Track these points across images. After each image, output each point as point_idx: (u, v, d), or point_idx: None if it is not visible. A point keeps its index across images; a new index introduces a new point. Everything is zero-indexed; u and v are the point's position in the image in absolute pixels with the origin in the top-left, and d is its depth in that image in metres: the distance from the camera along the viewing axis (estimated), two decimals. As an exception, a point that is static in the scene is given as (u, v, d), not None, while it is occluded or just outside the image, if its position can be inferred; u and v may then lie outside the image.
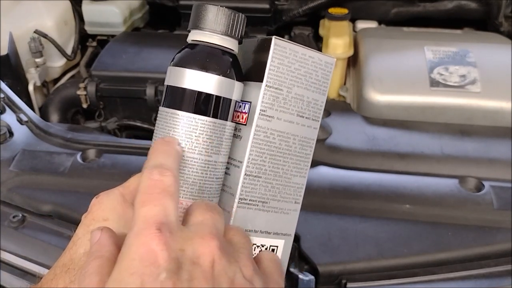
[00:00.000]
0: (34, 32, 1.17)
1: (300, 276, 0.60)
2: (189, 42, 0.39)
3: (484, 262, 0.63)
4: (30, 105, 1.13)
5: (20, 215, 0.70)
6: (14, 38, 1.11)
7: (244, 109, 0.40)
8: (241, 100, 0.40)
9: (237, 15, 0.39)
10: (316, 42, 1.27)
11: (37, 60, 1.16)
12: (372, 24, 1.27)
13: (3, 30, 1.11)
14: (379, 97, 0.94)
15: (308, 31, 1.29)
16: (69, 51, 1.28)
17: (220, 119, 0.38)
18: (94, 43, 1.36)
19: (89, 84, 1.08)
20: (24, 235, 0.68)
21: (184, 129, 0.37)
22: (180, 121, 0.37)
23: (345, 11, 1.17)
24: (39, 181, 0.76)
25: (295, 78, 0.40)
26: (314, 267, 0.62)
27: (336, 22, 1.14)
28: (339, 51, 1.08)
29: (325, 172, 0.77)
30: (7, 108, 0.90)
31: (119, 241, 0.32)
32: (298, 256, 0.64)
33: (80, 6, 1.33)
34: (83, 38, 1.35)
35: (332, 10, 1.17)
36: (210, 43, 0.38)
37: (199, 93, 0.37)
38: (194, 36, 0.39)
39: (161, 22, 1.47)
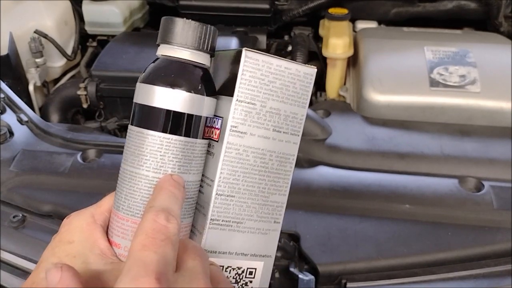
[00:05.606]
0: (34, 32, 1.17)
1: (300, 276, 0.60)
2: (157, 57, 0.38)
3: (484, 262, 0.63)
4: (30, 105, 1.13)
5: (20, 215, 0.70)
6: (14, 38, 1.11)
7: (217, 124, 0.38)
8: (215, 115, 0.39)
9: (205, 27, 0.37)
10: (316, 42, 1.27)
11: (37, 60, 1.16)
12: (372, 24, 1.27)
13: (3, 30, 1.11)
14: (379, 97, 0.94)
15: (308, 31, 1.29)
16: (69, 51, 1.28)
17: (188, 137, 0.36)
18: (94, 43, 1.36)
19: (89, 84, 1.08)
20: (24, 235, 0.68)
21: (149, 148, 0.36)
22: (145, 140, 0.36)
23: (345, 11, 1.17)
24: (39, 181, 0.76)
25: (269, 91, 0.38)
26: (314, 267, 0.62)
27: (336, 22, 1.15)
28: (339, 51, 1.08)
29: (325, 172, 0.77)
30: (7, 108, 0.90)
31: (82, 279, 0.31)
32: (298, 256, 0.64)
33: (80, 6, 1.33)
34: (83, 38, 1.35)
35: (332, 10, 1.17)
36: (178, 58, 0.37)
37: (166, 111, 0.36)
38: (163, 50, 0.37)
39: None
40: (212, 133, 0.38)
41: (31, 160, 0.79)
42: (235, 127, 0.37)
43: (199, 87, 0.37)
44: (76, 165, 0.78)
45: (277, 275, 0.63)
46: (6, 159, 0.79)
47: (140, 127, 0.36)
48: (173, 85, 0.36)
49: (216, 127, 0.38)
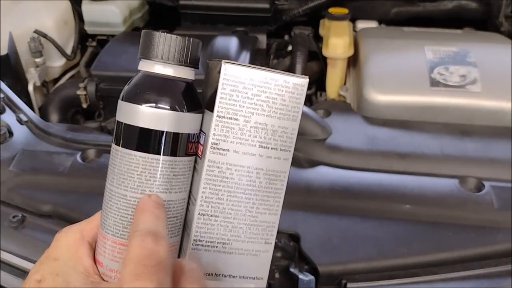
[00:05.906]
0: (34, 32, 1.17)
1: (300, 276, 0.60)
2: (138, 72, 0.37)
3: (484, 262, 0.63)
4: (30, 105, 1.13)
5: (20, 215, 0.70)
6: (14, 38, 1.11)
7: (201, 140, 0.36)
8: (201, 130, 0.37)
9: (184, 40, 0.35)
10: (316, 42, 1.27)
11: (37, 60, 1.16)
12: (372, 24, 1.27)
13: (3, 30, 1.11)
14: (379, 97, 0.94)
15: (308, 31, 1.29)
16: (69, 51, 1.27)
17: (166, 155, 0.35)
18: (94, 43, 1.36)
19: (89, 84, 1.08)
20: (23, 235, 0.68)
21: (126, 167, 0.35)
22: (123, 158, 0.35)
23: (345, 11, 1.17)
24: (39, 181, 0.76)
25: (253, 105, 0.35)
26: (314, 267, 0.62)
27: (336, 22, 1.14)
28: (339, 51, 1.08)
29: (325, 172, 0.77)
30: (7, 108, 0.90)
31: None
32: (298, 256, 0.63)
33: (80, 6, 1.33)
34: (83, 38, 1.35)
35: (332, 10, 1.17)
36: (158, 73, 0.35)
37: (141, 129, 0.34)
38: (143, 66, 0.36)
39: (161, 22, 1.46)
40: (197, 149, 0.37)
41: (30, 160, 0.79)
42: (216, 144, 0.35)
43: (180, 104, 0.35)
44: (76, 165, 0.78)
45: (277, 275, 0.63)
46: (5, 159, 0.79)
47: (117, 145, 0.36)
48: (149, 102, 0.34)
49: (201, 143, 0.36)
